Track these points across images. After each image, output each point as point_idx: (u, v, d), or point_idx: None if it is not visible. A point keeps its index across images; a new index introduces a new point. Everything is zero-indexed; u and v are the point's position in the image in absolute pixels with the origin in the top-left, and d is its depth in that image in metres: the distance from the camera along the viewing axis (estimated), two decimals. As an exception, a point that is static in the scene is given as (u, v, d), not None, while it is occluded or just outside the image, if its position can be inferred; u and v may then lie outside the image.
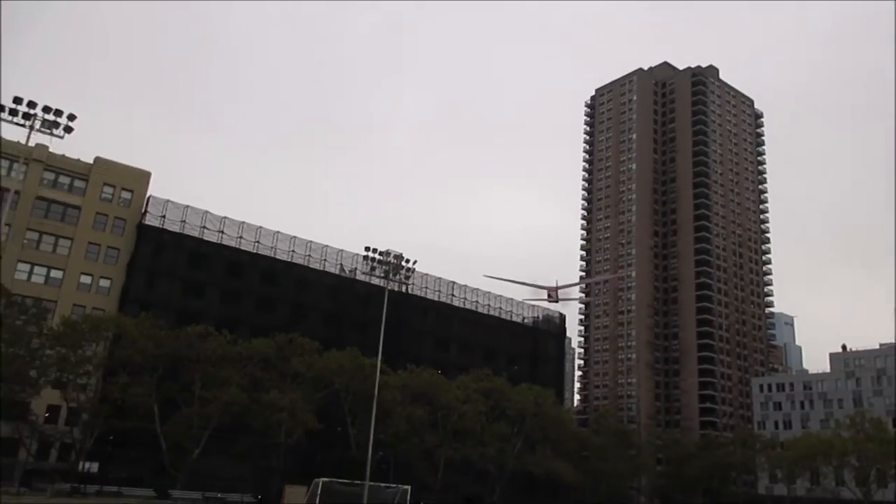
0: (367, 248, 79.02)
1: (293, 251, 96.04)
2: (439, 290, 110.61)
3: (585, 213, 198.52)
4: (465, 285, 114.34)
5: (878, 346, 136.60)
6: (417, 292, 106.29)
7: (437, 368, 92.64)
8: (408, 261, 79.88)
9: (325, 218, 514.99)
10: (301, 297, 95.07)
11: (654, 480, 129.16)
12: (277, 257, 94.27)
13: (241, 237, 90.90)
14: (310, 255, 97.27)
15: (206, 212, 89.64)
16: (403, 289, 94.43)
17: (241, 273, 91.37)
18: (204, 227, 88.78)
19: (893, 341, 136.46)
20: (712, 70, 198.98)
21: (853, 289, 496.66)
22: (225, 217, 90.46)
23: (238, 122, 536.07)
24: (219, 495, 69.94)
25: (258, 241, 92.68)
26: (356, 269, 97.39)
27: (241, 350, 74.29)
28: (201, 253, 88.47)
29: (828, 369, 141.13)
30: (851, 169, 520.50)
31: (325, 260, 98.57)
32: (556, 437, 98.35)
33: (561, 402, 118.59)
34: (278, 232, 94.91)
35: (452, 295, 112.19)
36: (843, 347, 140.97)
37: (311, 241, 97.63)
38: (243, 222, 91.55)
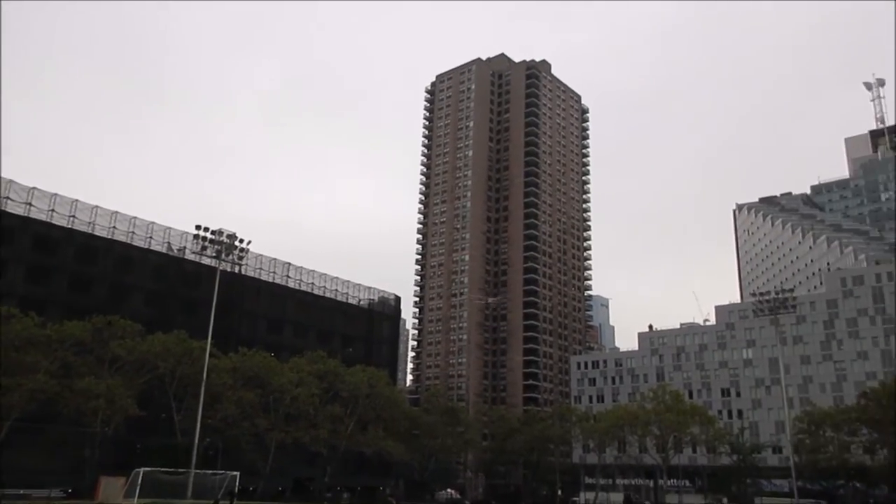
0: (198, 227, 75.49)
1: (114, 227, 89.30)
2: (274, 272, 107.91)
3: (423, 198, 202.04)
4: (301, 267, 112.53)
5: (678, 326, 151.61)
6: (251, 273, 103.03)
7: (270, 351, 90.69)
8: (241, 240, 77.41)
9: (153, 194, 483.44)
10: (123, 276, 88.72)
11: (479, 455, 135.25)
12: (96, 233, 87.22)
13: (53, 210, 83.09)
14: (133, 232, 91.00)
15: (11, 181, 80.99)
16: (236, 269, 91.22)
17: (52, 249, 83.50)
18: (8, 198, 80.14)
19: (692, 321, 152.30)
20: (545, 65, 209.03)
21: (664, 274, 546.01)
22: (34, 188, 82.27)
23: (63, 86, 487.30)
24: (21, 492, 64.10)
25: (73, 216, 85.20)
26: (185, 247, 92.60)
27: (52, 333, 68.11)
28: (5, 227, 79.86)
29: (637, 347, 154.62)
30: (669, 163, 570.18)
31: (150, 238, 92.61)
32: (389, 416, 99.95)
33: (394, 383, 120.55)
34: (97, 206, 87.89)
35: (288, 276, 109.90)
36: (650, 327, 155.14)
37: (135, 218, 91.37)
38: (56, 194, 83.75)
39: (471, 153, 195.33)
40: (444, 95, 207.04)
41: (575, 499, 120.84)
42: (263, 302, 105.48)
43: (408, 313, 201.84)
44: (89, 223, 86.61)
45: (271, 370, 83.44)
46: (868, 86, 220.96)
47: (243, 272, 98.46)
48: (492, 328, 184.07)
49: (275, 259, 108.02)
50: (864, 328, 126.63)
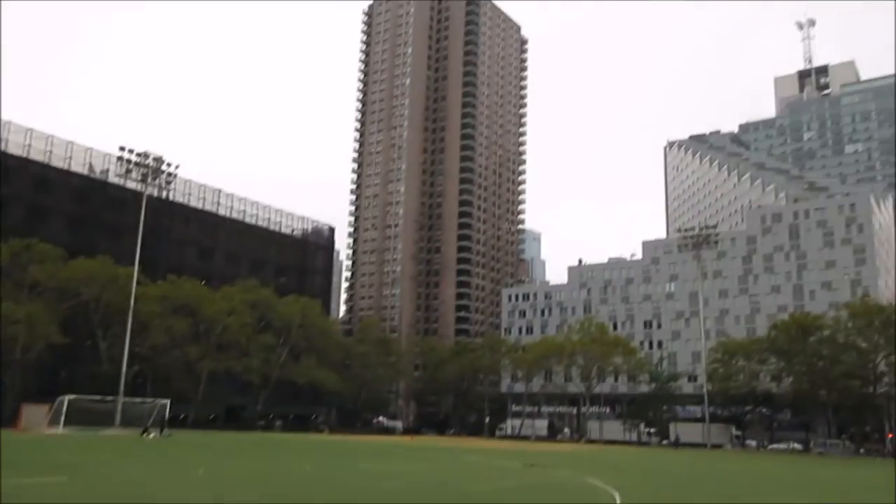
0: (122, 148, 72.54)
1: (29, 145, 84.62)
2: (204, 197, 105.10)
3: (359, 125, 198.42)
4: (233, 194, 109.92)
5: (606, 260, 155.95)
6: (180, 199, 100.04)
7: (200, 279, 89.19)
8: (169, 164, 74.81)
9: (73, 110, 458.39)
10: (40, 198, 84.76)
11: (411, 385, 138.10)
12: (10, 151, 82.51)
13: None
14: (51, 151, 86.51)
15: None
16: (164, 194, 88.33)
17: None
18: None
19: (618, 256, 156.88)
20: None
21: (597, 209, 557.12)
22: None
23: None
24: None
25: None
26: (109, 169, 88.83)
27: (-36, 256, 65.12)
28: None
29: (566, 281, 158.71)
30: (605, 100, 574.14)
31: (69, 158, 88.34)
32: (322, 347, 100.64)
33: (327, 314, 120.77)
34: (10, 122, 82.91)
35: (218, 203, 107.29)
36: (579, 261, 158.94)
37: (52, 136, 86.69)
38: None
39: (409, 81, 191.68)
40: (381, 20, 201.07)
41: (502, 425, 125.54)
42: (193, 229, 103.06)
43: (342, 244, 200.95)
44: (1, 139, 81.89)
45: (202, 299, 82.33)
46: (799, 25, 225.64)
47: (172, 198, 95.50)
48: (425, 260, 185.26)
49: (205, 185, 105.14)
50: (779, 264, 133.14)
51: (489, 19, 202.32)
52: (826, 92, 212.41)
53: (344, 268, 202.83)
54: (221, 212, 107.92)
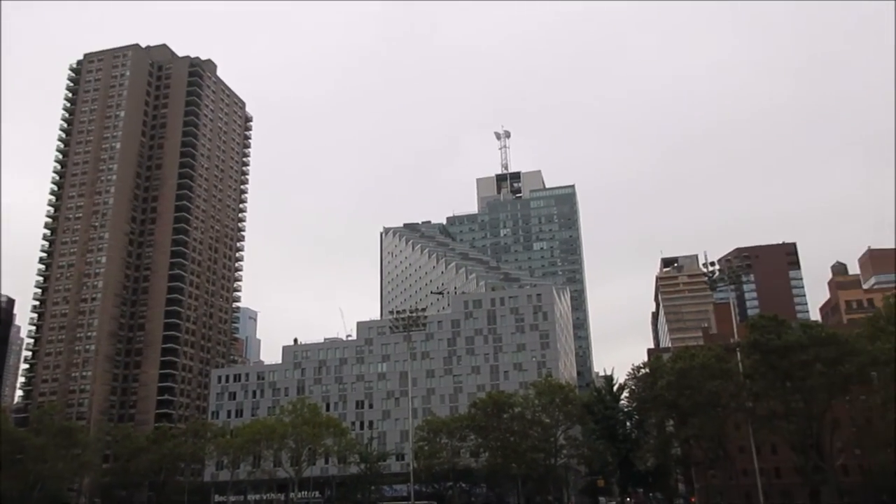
0: None
1: None
2: None
3: (56, 188, 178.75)
4: None
5: (322, 340, 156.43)
6: None
7: None
8: None
9: None
10: None
11: (98, 479, 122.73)
12: None
13: None
14: None
15: None
16: None
17: None
18: None
19: (335, 336, 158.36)
20: (210, 64, 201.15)
21: (316, 290, 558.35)
22: None
23: None
24: None
25: None
26: None
27: None
28: None
29: (280, 361, 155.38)
30: (330, 185, 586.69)
31: None
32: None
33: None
34: None
35: None
36: (295, 341, 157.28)
37: None
38: None
39: (119, 145, 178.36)
40: (92, 77, 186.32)
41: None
42: None
43: (24, 319, 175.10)
44: None
45: None
46: (497, 135, 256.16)
47: None
48: (126, 338, 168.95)
49: None
50: (479, 346, 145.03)
51: (213, 92, 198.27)
52: (518, 195, 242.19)
53: (24, 346, 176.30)
54: None
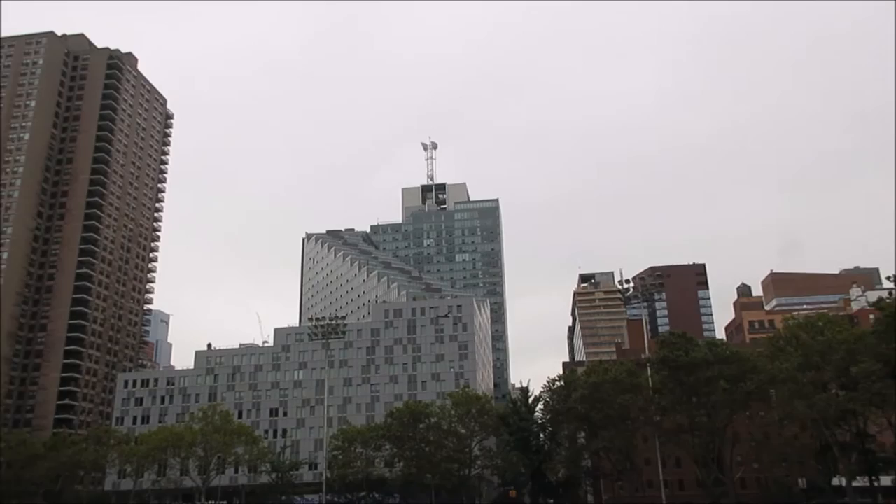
0: None
1: None
2: None
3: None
4: None
5: (237, 346, 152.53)
6: None
7: None
8: None
9: None
10: None
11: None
12: None
13: None
14: None
15: None
16: None
17: None
18: None
19: (251, 342, 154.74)
20: (131, 58, 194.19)
21: (235, 294, 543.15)
22: None
23: None
24: None
25: None
26: None
27: None
28: None
29: (192, 366, 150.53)
30: (252, 188, 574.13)
31: None
32: None
33: None
34: None
35: None
36: (209, 346, 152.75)
37: None
38: None
39: (27, 136, 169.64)
40: (1, 63, 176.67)
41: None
42: None
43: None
44: None
45: None
46: (424, 146, 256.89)
47: None
48: (26, 339, 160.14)
49: None
50: (398, 355, 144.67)
51: (132, 86, 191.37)
52: (443, 206, 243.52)
53: None
54: None
